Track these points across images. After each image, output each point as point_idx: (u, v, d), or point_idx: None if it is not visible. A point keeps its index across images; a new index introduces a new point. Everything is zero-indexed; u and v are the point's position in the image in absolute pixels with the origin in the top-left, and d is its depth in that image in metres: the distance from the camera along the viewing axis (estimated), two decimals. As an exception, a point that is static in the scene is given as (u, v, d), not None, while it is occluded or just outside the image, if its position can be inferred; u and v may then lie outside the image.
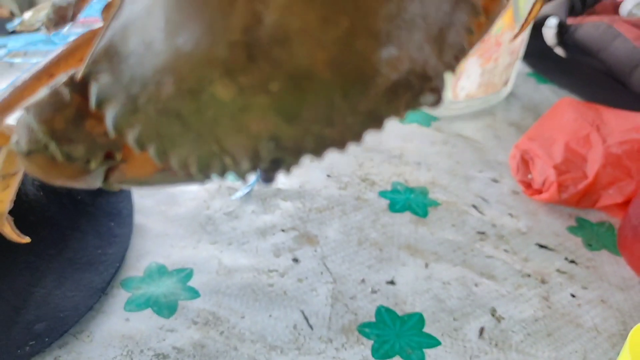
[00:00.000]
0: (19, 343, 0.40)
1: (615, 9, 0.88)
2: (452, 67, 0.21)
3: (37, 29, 0.23)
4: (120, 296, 0.47)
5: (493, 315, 0.49)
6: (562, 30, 0.86)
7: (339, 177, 0.65)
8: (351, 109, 0.19)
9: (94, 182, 0.23)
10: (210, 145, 0.19)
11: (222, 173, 0.20)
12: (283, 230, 0.56)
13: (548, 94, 0.85)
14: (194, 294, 0.48)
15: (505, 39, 0.73)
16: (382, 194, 0.63)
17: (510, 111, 0.82)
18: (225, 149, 0.19)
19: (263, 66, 0.18)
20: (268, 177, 0.20)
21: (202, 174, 0.20)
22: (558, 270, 0.55)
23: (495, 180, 0.67)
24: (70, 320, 0.43)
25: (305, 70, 0.18)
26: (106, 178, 0.23)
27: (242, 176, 0.20)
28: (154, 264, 0.51)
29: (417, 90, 0.20)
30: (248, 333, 0.45)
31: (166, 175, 0.22)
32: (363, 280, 0.51)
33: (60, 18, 0.21)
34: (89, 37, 0.22)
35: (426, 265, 0.54)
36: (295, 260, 0.53)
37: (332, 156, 0.66)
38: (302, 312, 0.48)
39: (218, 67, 0.18)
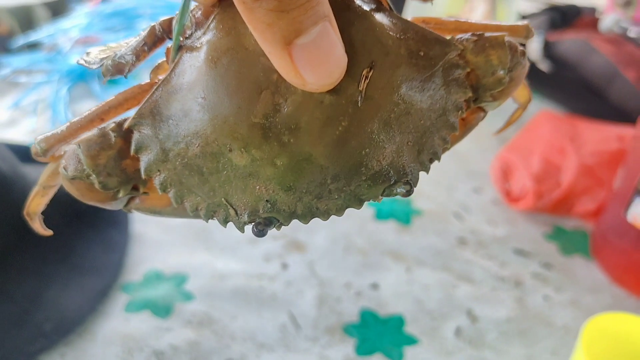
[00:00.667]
0: (29, 341, 0.44)
1: (594, 25, 0.92)
2: (426, 167, 0.25)
3: (93, 68, 0.26)
4: (120, 299, 0.51)
5: (469, 315, 0.53)
6: (545, 46, 0.90)
7: (328, 187, 0.69)
8: (338, 189, 0.24)
9: (118, 205, 0.27)
10: (220, 198, 0.24)
11: (225, 221, 0.25)
12: (273, 238, 0.60)
13: (530, 107, 0.89)
14: (189, 296, 0.52)
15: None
16: (369, 203, 0.66)
17: (493, 123, 0.85)
18: (231, 203, 0.24)
19: (274, 145, 0.23)
20: (260, 232, 0.25)
21: (208, 218, 0.25)
22: (532, 274, 0.58)
23: (476, 190, 0.71)
24: (75, 321, 0.47)
25: (306, 155, 0.23)
26: (127, 204, 0.27)
27: (240, 227, 0.25)
28: (152, 269, 0.54)
29: (394, 182, 0.24)
30: (239, 332, 0.49)
31: (177, 211, 0.27)
32: (348, 284, 0.55)
33: (117, 71, 0.26)
34: (137, 92, 0.26)
35: (408, 270, 0.57)
36: (285, 265, 0.56)
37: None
38: (290, 313, 0.51)
39: (239, 139, 0.23)
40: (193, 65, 0.24)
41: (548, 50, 0.89)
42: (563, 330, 0.52)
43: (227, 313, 0.50)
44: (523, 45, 0.28)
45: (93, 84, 0.89)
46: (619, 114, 0.76)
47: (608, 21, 0.91)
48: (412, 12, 0.75)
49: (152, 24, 0.27)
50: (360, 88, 0.23)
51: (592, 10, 0.99)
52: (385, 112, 0.24)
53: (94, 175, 0.25)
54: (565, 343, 0.50)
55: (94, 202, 0.27)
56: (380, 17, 0.25)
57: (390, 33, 0.24)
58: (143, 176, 0.25)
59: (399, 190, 0.25)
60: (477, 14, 0.73)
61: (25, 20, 1.01)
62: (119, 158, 0.25)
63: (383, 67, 0.24)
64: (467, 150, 0.78)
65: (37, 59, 0.93)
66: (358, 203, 0.25)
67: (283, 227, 0.25)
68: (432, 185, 0.70)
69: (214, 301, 0.52)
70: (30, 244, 0.48)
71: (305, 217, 0.24)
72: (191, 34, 0.25)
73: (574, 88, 0.85)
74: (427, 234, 0.63)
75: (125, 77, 0.26)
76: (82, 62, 0.27)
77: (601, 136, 0.67)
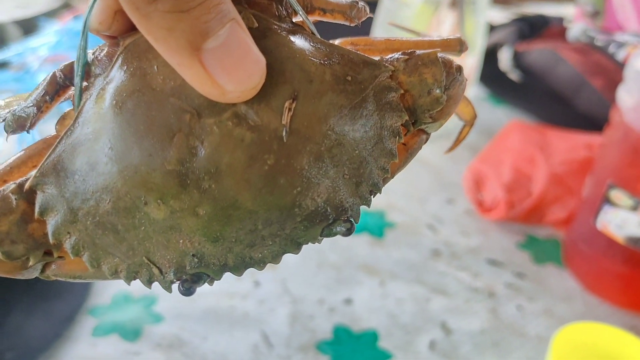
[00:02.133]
0: (-10, 371, 0.43)
1: (562, 35, 0.93)
2: (367, 201, 0.24)
3: None
4: (87, 323, 0.50)
5: (443, 328, 0.52)
6: (514, 56, 0.91)
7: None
8: (272, 234, 0.22)
9: (32, 274, 0.25)
10: (140, 257, 0.22)
11: (149, 282, 0.23)
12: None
13: (501, 116, 0.90)
14: (159, 318, 0.51)
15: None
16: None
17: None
18: (154, 262, 0.22)
19: (193, 193, 0.21)
20: (187, 291, 0.23)
21: (129, 280, 0.23)
22: (506, 284, 0.58)
23: (449, 201, 0.71)
24: (40, 348, 0.45)
25: (231, 200, 0.21)
26: (43, 270, 0.25)
27: (167, 286, 0.23)
28: (120, 291, 0.53)
29: (332, 220, 0.23)
30: (211, 354, 0.48)
31: (99, 274, 0.24)
32: (321, 300, 0.54)
33: (18, 127, 0.24)
34: (41, 147, 0.24)
35: (382, 284, 0.57)
36: (257, 283, 0.56)
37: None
38: (263, 332, 0.50)
39: (154, 190, 0.21)
40: (97, 113, 0.22)
41: (517, 60, 0.90)
42: (536, 339, 0.52)
43: (197, 334, 0.50)
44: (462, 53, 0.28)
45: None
46: (587, 122, 0.76)
47: (575, 30, 0.92)
48: (382, 19, 0.75)
49: (54, 71, 0.25)
50: (284, 122, 0.21)
51: (560, 20, 1.00)
52: (314, 145, 0.22)
53: None
54: (539, 353, 0.50)
55: (2, 273, 0.24)
56: (300, 43, 0.23)
57: (313, 59, 0.23)
58: (51, 240, 0.22)
59: (338, 229, 0.23)
60: (444, 27, 0.73)
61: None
62: (23, 223, 0.22)
63: (307, 96, 0.22)
64: (439, 162, 0.78)
65: (5, 78, 0.91)
66: (295, 247, 0.23)
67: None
68: (405, 198, 0.70)
69: (184, 322, 0.51)
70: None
71: (238, 269, 0.23)
72: (95, 79, 0.23)
73: (543, 97, 0.86)
74: (401, 247, 0.62)
75: (28, 132, 0.24)
76: None
77: (570, 145, 0.68)
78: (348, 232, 0.23)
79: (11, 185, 0.23)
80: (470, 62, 0.80)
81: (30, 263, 0.23)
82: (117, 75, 0.22)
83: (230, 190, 0.21)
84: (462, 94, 0.26)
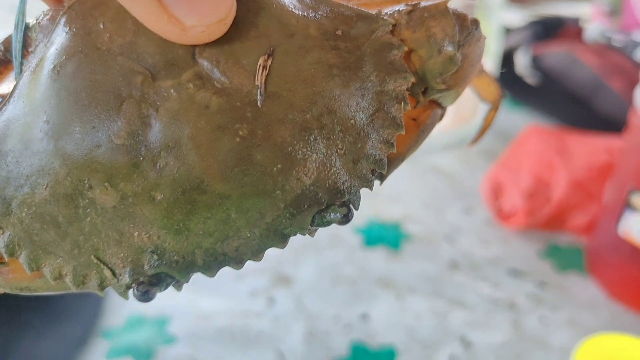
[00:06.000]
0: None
1: (578, 35, 0.91)
2: (368, 181, 0.19)
3: None
4: (101, 345, 0.49)
5: (463, 342, 0.51)
6: (531, 59, 0.89)
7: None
8: (248, 224, 0.18)
9: None
10: (88, 255, 0.18)
11: (100, 286, 0.18)
12: (259, 272, 0.58)
13: (519, 121, 0.88)
14: (173, 339, 0.50)
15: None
16: (357, 230, 0.65)
17: (482, 140, 0.84)
18: (104, 261, 0.18)
19: (148, 174, 0.17)
20: (144, 295, 0.18)
21: (78, 286, 0.19)
22: (527, 294, 0.57)
23: (467, 210, 0.69)
24: (54, 372, 0.45)
25: (196, 181, 0.17)
26: None
27: (122, 292, 0.19)
28: (134, 312, 0.53)
29: (325, 205, 0.18)
30: (225, 374, 0.47)
31: (48, 282, 0.19)
32: (337, 316, 0.53)
33: None
34: None
35: (399, 298, 0.56)
36: (271, 300, 0.55)
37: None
38: (278, 351, 0.50)
39: (99, 171, 0.17)
40: (33, 82, 0.18)
41: (535, 63, 0.88)
42: (560, 351, 0.50)
43: (211, 354, 0.49)
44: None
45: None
46: (606, 124, 0.75)
47: (592, 31, 0.90)
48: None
49: None
50: (257, 82, 0.18)
51: (576, 20, 0.98)
52: (298, 112, 0.18)
53: None
54: (564, 366, 0.49)
55: None
56: None
57: (294, 11, 0.19)
58: None
59: (333, 216, 0.19)
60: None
61: None
62: None
63: (287, 53, 0.18)
64: (456, 170, 0.77)
65: None
66: (280, 240, 0.18)
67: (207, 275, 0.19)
68: (421, 208, 0.69)
69: (198, 343, 0.50)
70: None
71: (210, 269, 0.19)
72: (36, 47, 0.20)
73: (561, 100, 0.84)
74: (418, 259, 0.61)
75: None
76: None
77: (589, 149, 0.66)
78: (345, 220, 0.19)
79: None
80: (486, 66, 0.79)
81: None
82: (57, 38, 0.19)
83: (194, 170, 0.17)
84: (480, 54, 0.22)
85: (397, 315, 0.54)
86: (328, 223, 0.19)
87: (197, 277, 0.19)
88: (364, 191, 0.20)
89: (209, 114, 0.17)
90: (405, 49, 0.20)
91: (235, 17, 0.18)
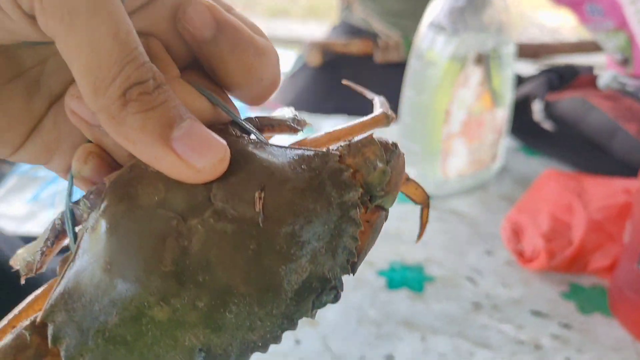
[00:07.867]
0: None
1: (592, 83, 0.94)
2: (346, 268, 0.26)
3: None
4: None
5: (489, 383, 0.51)
6: (546, 107, 0.92)
7: (339, 259, 0.69)
8: (267, 314, 0.23)
9: None
10: None
11: None
12: (285, 314, 0.59)
13: (536, 166, 0.89)
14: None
15: (486, 119, 0.79)
16: (380, 273, 0.66)
17: (501, 185, 0.86)
18: None
19: (191, 288, 0.23)
20: None
21: None
22: (552, 336, 0.57)
23: (488, 252, 0.70)
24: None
25: (225, 287, 0.23)
26: None
27: None
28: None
29: (319, 291, 0.25)
30: (253, 414, 0.48)
31: None
32: (362, 357, 0.54)
33: (29, 271, 0.27)
34: (46, 290, 0.26)
35: (423, 339, 0.56)
36: (297, 341, 0.56)
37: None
38: (305, 391, 0.50)
39: (155, 294, 0.23)
40: (94, 240, 0.24)
41: (549, 110, 0.90)
42: (587, 393, 0.50)
43: (240, 394, 0.50)
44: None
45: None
46: (623, 168, 0.76)
47: (606, 78, 0.92)
48: (410, 80, 0.77)
49: (53, 219, 0.27)
50: (257, 209, 0.24)
51: (590, 69, 1.01)
52: (287, 226, 0.24)
53: None
54: (591, 406, 0.49)
55: None
56: (258, 149, 0.26)
57: (271, 158, 0.26)
58: None
59: (326, 298, 0.25)
60: (472, 83, 0.75)
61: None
62: (38, 357, 0.24)
63: (272, 186, 0.25)
64: (476, 214, 0.78)
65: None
66: (292, 324, 0.24)
67: None
68: (443, 251, 0.70)
69: (226, 383, 0.51)
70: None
71: (244, 355, 0.24)
72: (88, 215, 0.26)
73: (577, 146, 0.86)
74: (441, 301, 0.62)
75: (35, 275, 0.27)
76: (15, 266, 0.28)
77: (607, 190, 0.67)
78: (335, 299, 0.25)
79: (25, 323, 0.24)
80: (500, 115, 0.81)
81: None
82: (107, 206, 0.25)
83: (223, 279, 0.23)
84: (403, 165, 0.30)
85: (422, 356, 0.54)
86: (324, 304, 0.25)
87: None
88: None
89: (227, 237, 0.23)
90: (351, 170, 0.27)
91: (233, 169, 0.24)
